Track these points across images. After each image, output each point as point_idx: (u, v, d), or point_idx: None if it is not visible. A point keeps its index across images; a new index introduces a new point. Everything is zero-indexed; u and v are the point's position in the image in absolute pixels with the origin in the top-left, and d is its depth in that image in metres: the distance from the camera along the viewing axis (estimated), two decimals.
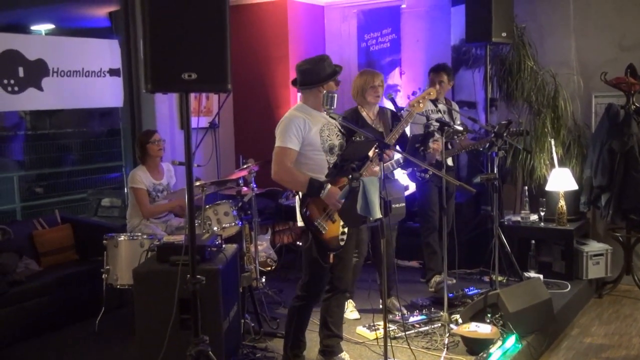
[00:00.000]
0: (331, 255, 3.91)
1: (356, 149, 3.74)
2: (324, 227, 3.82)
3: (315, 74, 3.91)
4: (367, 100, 4.99)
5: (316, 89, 3.92)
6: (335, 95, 3.82)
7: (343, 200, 3.61)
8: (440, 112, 5.64)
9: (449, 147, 5.47)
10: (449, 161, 5.59)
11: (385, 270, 3.73)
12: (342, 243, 3.93)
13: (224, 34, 3.05)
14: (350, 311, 5.07)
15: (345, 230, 3.92)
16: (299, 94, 4.47)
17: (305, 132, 3.84)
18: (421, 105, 4.64)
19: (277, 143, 3.84)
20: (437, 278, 5.57)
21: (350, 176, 3.48)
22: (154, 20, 2.96)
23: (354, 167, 3.53)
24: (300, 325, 4.07)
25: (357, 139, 3.89)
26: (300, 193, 3.85)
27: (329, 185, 3.79)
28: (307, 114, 3.90)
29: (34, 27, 8.28)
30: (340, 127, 4.04)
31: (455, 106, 5.93)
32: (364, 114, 5.03)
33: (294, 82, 4.04)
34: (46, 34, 8.26)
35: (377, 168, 3.90)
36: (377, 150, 3.59)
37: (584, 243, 6.08)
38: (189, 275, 3.22)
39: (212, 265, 3.90)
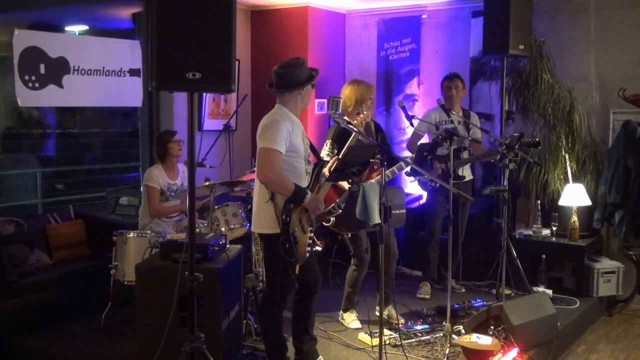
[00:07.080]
0: (297, 267, 3.88)
1: (357, 154, 3.74)
2: (298, 237, 3.79)
3: (296, 77, 3.87)
4: (362, 110, 4.82)
5: (296, 91, 3.90)
6: (341, 99, 3.85)
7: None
8: (454, 123, 5.64)
9: (461, 156, 5.46)
10: (461, 171, 5.54)
11: (383, 278, 3.72)
12: (307, 255, 3.90)
13: (229, 35, 3.07)
14: (352, 320, 5.05)
15: (311, 241, 3.90)
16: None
17: (292, 138, 3.81)
18: (361, 120, 4.61)
19: (266, 144, 3.77)
20: (425, 287, 5.82)
21: (350, 180, 3.50)
22: (161, 20, 2.99)
23: (354, 171, 3.55)
24: (278, 331, 4.07)
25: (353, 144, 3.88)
26: (277, 198, 3.79)
27: (310, 192, 3.79)
28: (290, 120, 3.87)
29: (64, 27, 8.44)
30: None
31: (474, 119, 5.90)
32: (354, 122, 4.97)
33: (270, 85, 3.99)
34: (79, 34, 8.42)
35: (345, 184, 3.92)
36: (378, 156, 3.60)
37: (596, 260, 6.00)
38: (187, 272, 3.26)
39: (213, 264, 3.93)
